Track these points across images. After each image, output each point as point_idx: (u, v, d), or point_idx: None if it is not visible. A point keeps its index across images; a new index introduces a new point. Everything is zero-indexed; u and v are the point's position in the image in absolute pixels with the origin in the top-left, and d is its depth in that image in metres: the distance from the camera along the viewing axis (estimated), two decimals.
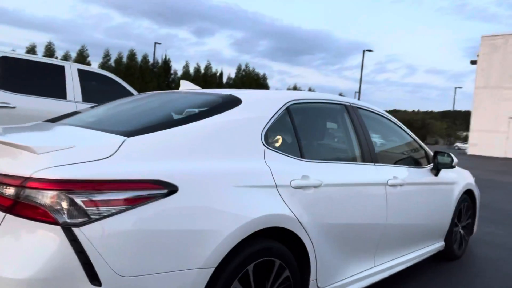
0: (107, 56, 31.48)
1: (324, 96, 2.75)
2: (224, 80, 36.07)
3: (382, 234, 2.78)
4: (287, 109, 2.38)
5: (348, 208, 2.45)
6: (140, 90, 29.65)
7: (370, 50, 35.40)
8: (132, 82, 30.47)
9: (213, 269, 1.71)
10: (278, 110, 2.30)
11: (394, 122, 3.36)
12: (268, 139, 2.17)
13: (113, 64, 31.07)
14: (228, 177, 1.84)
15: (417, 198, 3.16)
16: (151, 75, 31.97)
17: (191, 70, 34.50)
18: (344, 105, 2.84)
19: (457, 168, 4.02)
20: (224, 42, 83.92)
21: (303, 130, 2.42)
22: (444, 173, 3.65)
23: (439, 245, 3.70)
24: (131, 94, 6.09)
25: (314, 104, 2.65)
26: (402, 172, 3.06)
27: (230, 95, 2.29)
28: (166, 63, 33.60)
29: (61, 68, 5.49)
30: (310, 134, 2.55)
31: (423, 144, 3.62)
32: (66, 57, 29.84)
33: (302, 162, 2.27)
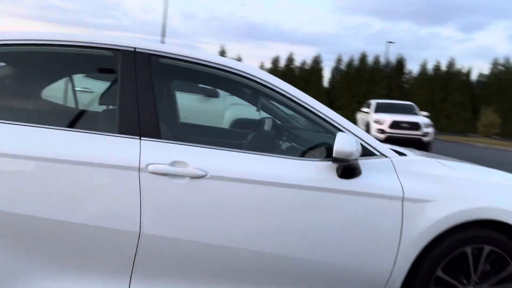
0: (339, 60, 32.28)
1: (38, 36, 1.93)
2: (474, 77, 30.93)
3: (139, 248, 1.79)
4: None
5: (14, 193, 1.70)
6: (367, 92, 29.05)
7: None
8: (359, 84, 30.18)
9: None
10: None
11: (256, 80, 2.01)
12: None
13: (344, 68, 31.61)
14: None
15: (255, 204, 1.84)
16: (380, 76, 30.74)
17: (430, 67, 31.16)
18: (113, 49, 1.93)
19: (461, 172, 2.10)
20: (498, 35, 67.74)
21: None
22: (385, 176, 1.97)
23: None
24: None
25: (22, 47, 1.93)
26: (215, 158, 1.85)
27: None
28: (400, 62, 31.55)
29: None
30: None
31: (345, 124, 2.03)
32: (303, 64, 32.20)
33: None
